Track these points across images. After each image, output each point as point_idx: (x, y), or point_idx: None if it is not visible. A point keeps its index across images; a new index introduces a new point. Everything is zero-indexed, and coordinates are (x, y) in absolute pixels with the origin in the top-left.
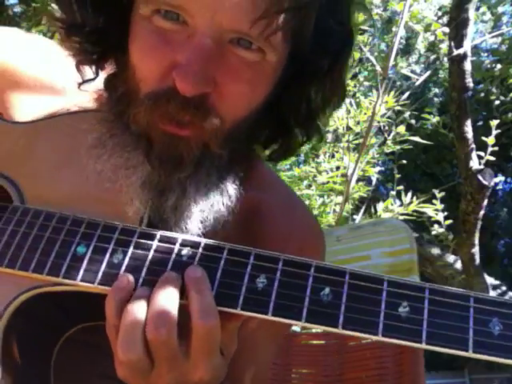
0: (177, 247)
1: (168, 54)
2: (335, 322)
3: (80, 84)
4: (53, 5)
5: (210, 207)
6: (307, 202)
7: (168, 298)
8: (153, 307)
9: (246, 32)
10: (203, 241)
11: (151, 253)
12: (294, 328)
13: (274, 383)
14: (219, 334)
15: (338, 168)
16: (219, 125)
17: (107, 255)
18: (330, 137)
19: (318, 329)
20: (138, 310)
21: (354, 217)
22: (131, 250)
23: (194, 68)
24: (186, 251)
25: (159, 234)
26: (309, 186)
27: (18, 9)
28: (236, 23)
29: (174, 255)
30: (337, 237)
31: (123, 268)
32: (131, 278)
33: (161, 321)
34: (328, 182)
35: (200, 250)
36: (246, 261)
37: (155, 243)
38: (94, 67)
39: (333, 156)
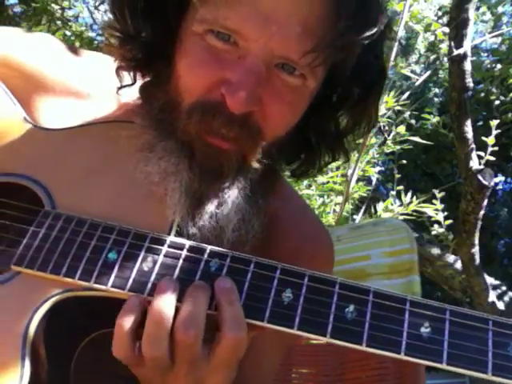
0: (205, 258)
1: (218, 70)
2: (359, 340)
3: (119, 89)
4: (53, 4)
5: (243, 217)
6: (307, 202)
7: (199, 304)
8: (184, 309)
9: (295, 60)
10: (230, 253)
11: (180, 262)
12: None
13: (274, 383)
14: (245, 346)
15: (338, 168)
16: (261, 140)
17: (138, 263)
18: None
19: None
20: (165, 307)
21: (354, 217)
22: (161, 258)
23: (245, 88)
24: (213, 262)
25: (188, 244)
26: (309, 186)
27: (18, 9)
28: (287, 51)
29: (202, 265)
30: (337, 237)
31: (153, 276)
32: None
33: (191, 323)
34: (328, 182)
35: (227, 261)
36: (273, 275)
37: (184, 253)
38: (133, 74)
39: None
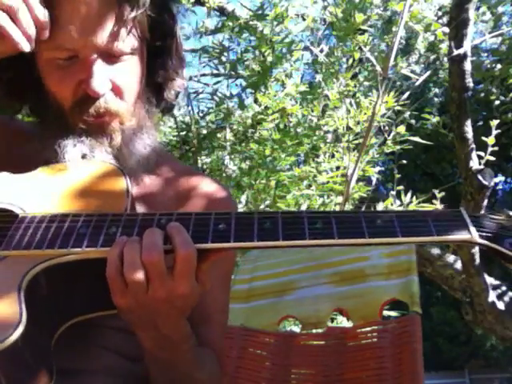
0: (156, 217)
1: (74, 78)
2: (277, 237)
3: (14, 114)
4: None
5: (140, 153)
6: (307, 202)
7: (155, 235)
8: (145, 240)
9: (113, 49)
10: (175, 212)
11: (138, 222)
12: (294, 328)
13: (274, 383)
14: (195, 260)
15: (338, 168)
16: (125, 105)
17: (104, 229)
18: (329, 137)
19: (316, 329)
20: (134, 245)
21: None
22: (123, 222)
23: (95, 79)
24: (164, 219)
25: (141, 213)
26: (309, 186)
27: None
28: (103, 46)
29: (155, 221)
30: None
31: (118, 235)
32: (126, 237)
33: (152, 247)
34: (328, 182)
35: (174, 215)
36: (209, 217)
37: (139, 217)
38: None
39: (333, 156)
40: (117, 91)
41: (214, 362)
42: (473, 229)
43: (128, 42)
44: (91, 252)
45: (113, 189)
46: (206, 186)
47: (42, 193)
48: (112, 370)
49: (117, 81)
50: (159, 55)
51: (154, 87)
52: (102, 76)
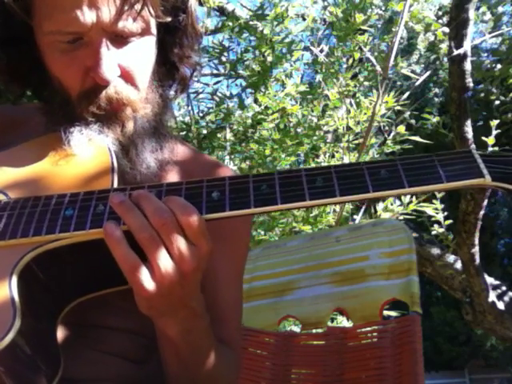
0: (146, 189)
1: (80, 64)
2: (275, 202)
3: (13, 102)
4: None
5: (152, 148)
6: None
7: (153, 199)
8: (148, 205)
9: (121, 31)
10: (164, 183)
11: (127, 197)
12: (294, 328)
13: (274, 383)
14: (202, 221)
15: None
16: (137, 92)
17: (91, 209)
18: (329, 137)
19: (316, 329)
20: (128, 204)
21: (354, 217)
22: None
23: (103, 65)
24: (154, 191)
25: (129, 187)
26: None
27: None
28: (111, 25)
29: None
30: (336, 237)
31: (106, 214)
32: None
33: (160, 209)
34: None
35: (164, 187)
36: (201, 184)
37: (128, 192)
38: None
39: (333, 156)
40: (127, 77)
41: (231, 356)
42: (485, 171)
43: (138, 21)
44: (81, 235)
45: (97, 166)
46: (222, 171)
47: (24, 174)
48: (119, 376)
49: (126, 65)
50: (172, 32)
51: (168, 66)
52: (110, 61)
